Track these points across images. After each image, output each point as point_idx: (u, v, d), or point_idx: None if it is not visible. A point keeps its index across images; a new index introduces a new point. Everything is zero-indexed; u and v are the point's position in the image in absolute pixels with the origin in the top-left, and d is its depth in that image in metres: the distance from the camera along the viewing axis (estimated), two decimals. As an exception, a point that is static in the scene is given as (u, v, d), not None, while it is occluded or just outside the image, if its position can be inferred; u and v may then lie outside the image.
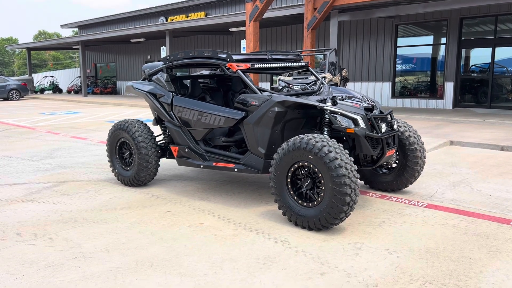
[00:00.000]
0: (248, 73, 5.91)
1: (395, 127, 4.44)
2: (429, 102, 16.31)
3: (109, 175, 6.19)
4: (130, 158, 5.59)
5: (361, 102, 4.50)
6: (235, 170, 4.63)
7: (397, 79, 17.32)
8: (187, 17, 24.29)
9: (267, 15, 14.74)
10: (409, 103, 16.82)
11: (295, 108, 4.40)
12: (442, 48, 16.08)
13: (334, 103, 4.35)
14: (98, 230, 4.06)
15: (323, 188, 3.79)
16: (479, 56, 15.63)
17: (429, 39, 16.81)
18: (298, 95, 4.67)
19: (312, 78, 10.16)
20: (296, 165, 3.96)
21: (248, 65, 4.67)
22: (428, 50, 16.80)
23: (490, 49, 15.04)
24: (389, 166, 5.04)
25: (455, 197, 4.88)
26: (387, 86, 17.33)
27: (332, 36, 14.52)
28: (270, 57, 5.01)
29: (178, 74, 6.13)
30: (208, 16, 19.87)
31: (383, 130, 4.24)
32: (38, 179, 6.08)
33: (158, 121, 5.63)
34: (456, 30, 15.35)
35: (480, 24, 15.32)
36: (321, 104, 4.23)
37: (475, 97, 15.64)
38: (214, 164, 4.83)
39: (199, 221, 4.26)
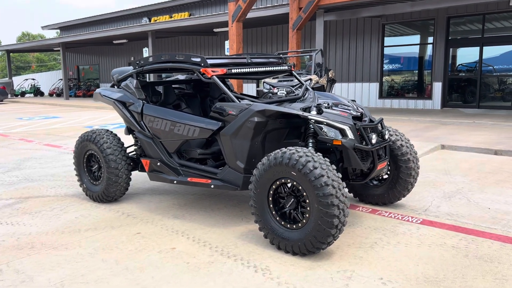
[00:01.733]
0: (227, 79, 5.48)
1: (386, 137, 4.04)
2: (417, 103, 16.05)
3: (78, 190, 5.70)
4: (99, 172, 5.12)
5: (349, 110, 4.10)
6: (212, 186, 4.19)
7: (384, 80, 17.04)
8: (171, 17, 23.75)
9: (250, 15, 14.32)
10: (397, 103, 16.55)
11: (276, 117, 3.98)
12: (430, 48, 15.83)
13: (319, 111, 3.94)
14: (56, 259, 3.59)
15: (308, 208, 3.38)
16: (467, 55, 15.42)
17: (417, 38, 16.56)
18: (280, 102, 4.25)
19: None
20: (278, 182, 3.54)
21: (224, 70, 4.23)
22: (416, 50, 16.54)
23: (477, 48, 14.83)
24: (380, 178, 4.64)
25: (451, 211, 4.51)
26: (374, 86, 17.04)
27: (318, 36, 14.16)
28: (249, 61, 4.58)
29: (164, 76, 5.63)
30: (191, 17, 19.40)
31: (374, 141, 3.84)
32: (0, 195, 5.56)
33: (129, 131, 5.17)
34: (444, 29, 15.11)
35: (467, 23, 15.10)
36: (305, 114, 3.81)
37: (463, 97, 15.42)
38: (189, 179, 4.39)
39: (171, 245, 3.81)
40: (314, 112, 3.92)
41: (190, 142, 4.80)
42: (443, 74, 15.37)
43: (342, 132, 3.74)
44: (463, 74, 15.58)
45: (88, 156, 5.16)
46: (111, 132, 5.08)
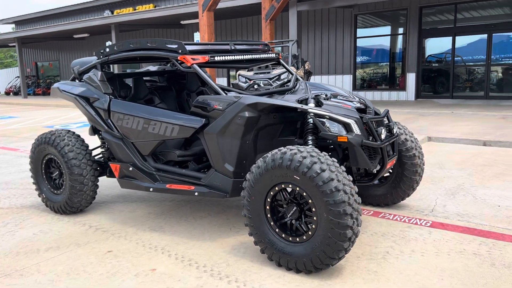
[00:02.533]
0: (206, 68, 4.87)
1: (394, 131, 3.57)
2: (391, 94, 15.88)
3: (37, 200, 4.97)
4: (60, 179, 4.42)
5: (351, 101, 3.60)
6: (196, 194, 3.60)
7: (358, 72, 16.79)
8: (135, 9, 22.68)
9: (222, 5, 13.66)
10: (371, 95, 16.33)
11: (270, 111, 3.43)
12: (403, 39, 15.66)
13: (318, 103, 3.42)
14: (8, 291, 2.93)
15: (314, 218, 2.86)
16: (440, 45, 15.34)
17: (389, 29, 16.36)
18: (270, 94, 3.70)
19: (275, 72, 9.22)
20: (277, 188, 3.00)
21: (206, 57, 3.64)
22: (389, 41, 16.34)
23: (450, 38, 14.76)
24: (382, 176, 4.18)
25: (460, 211, 4.10)
26: (348, 78, 16.76)
27: (291, 27, 13.68)
28: (233, 48, 4.00)
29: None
30: (157, 8, 18.48)
31: (383, 136, 3.35)
32: None
33: (94, 130, 4.49)
34: (416, 19, 14.94)
35: (439, 13, 15.00)
36: (304, 106, 3.28)
37: (437, 88, 15.35)
38: (167, 186, 3.77)
39: (150, 266, 3.21)
40: (312, 104, 3.40)
41: (167, 142, 4.18)
42: (416, 65, 15.23)
43: (347, 127, 3.24)
44: (436, 65, 15.51)
45: (47, 161, 4.46)
46: (73, 133, 4.39)
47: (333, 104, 3.41)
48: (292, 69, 9.68)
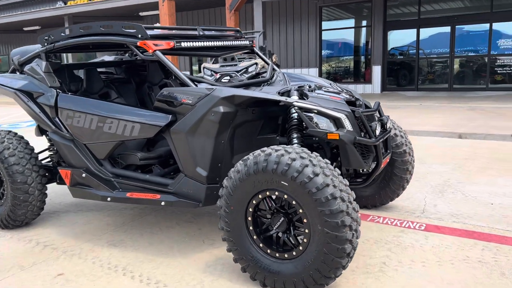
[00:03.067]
0: (169, 57, 4.32)
1: (388, 126, 3.19)
2: (357, 87, 15.73)
3: (-26, 212, 4.28)
4: (1, 188, 3.78)
5: (339, 93, 3.18)
6: (162, 203, 3.08)
7: (324, 65, 16.57)
8: (90, 0, 21.48)
9: (183, -5, 13.00)
10: (338, 88, 16.13)
11: (248, 106, 2.95)
12: (368, 31, 15.55)
13: (303, 96, 2.98)
14: None
15: (306, 230, 2.42)
16: (404, 38, 15.33)
17: (354, 22, 16.21)
18: (245, 86, 3.22)
19: (243, 64, 8.73)
20: (260, 196, 2.54)
21: (171, 43, 3.11)
22: (354, 34, 16.20)
23: (414, 30, 14.76)
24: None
25: (452, 210, 3.79)
26: (313, 72, 16.49)
27: (256, 18, 13.18)
28: (201, 34, 3.49)
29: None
30: (114, -1, 17.48)
31: (378, 132, 2.96)
32: None
33: (41, 131, 3.86)
34: (381, 11, 14.84)
35: (403, 5, 14.96)
36: (289, 99, 2.83)
37: (402, 80, 15.35)
38: (128, 195, 3.22)
39: (110, 293, 2.68)
40: (295, 97, 2.95)
41: (126, 144, 3.63)
42: (382, 58, 15.15)
43: (337, 122, 2.81)
44: (401, 57, 15.50)
45: (-16, 168, 3.79)
46: (15, 134, 3.75)
47: (319, 97, 2.98)
48: (260, 61, 9.24)
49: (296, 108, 2.88)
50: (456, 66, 14.44)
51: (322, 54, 16.42)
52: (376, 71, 15.24)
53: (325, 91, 3.16)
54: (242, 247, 2.64)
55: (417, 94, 13.98)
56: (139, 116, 3.11)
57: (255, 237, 2.62)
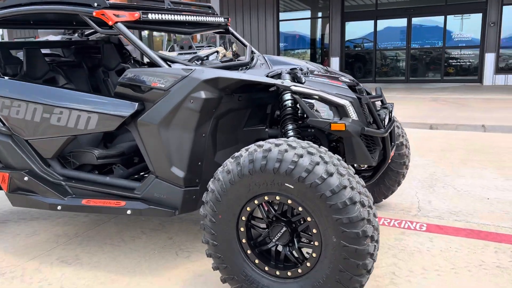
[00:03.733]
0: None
1: (393, 114, 2.78)
2: (316, 79, 15.55)
3: None
4: None
5: (337, 77, 2.74)
6: (128, 212, 2.50)
7: (282, 56, 16.22)
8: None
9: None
10: (296, 80, 15.87)
11: (233, 91, 2.44)
12: (326, 22, 15.37)
13: (296, 79, 2.51)
14: None
15: (316, 243, 1.96)
16: (362, 29, 15.28)
17: (312, 12, 15.97)
18: (225, 69, 2.70)
19: (204, 52, 8.12)
20: (256, 202, 2.05)
21: (136, 14, 2.52)
22: (312, 25, 15.98)
23: (372, 22, 14.74)
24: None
25: (450, 207, 3.49)
26: (272, 63, 16.09)
27: (214, 7, 12.57)
28: (169, 6, 2.92)
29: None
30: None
31: (386, 121, 2.55)
32: None
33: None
34: (339, 2, 14.68)
35: (361, -4, 14.90)
36: (286, 83, 2.34)
37: (360, 72, 15.33)
38: (83, 202, 2.61)
39: (64, 330, 2.10)
40: (287, 80, 2.47)
41: (80, 139, 3.00)
42: (340, 49, 15.03)
43: (340, 111, 2.37)
44: (359, 49, 15.46)
45: None
46: None
47: (317, 81, 2.52)
48: (221, 49, 8.68)
49: (292, 93, 2.40)
50: (412, 58, 14.58)
51: (280, 46, 16.07)
52: (334, 63, 15.10)
53: (320, 75, 2.70)
54: (233, 264, 2.14)
55: (375, 85, 13.96)
56: (97, 104, 2.50)
57: (249, 251, 2.13)
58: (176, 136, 2.35)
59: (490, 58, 13.55)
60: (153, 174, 2.47)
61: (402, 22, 14.38)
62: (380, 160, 2.59)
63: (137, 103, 2.40)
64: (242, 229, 2.11)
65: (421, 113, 7.74)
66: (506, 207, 3.44)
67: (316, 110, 2.34)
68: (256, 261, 2.12)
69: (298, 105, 2.51)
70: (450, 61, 14.29)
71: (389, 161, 2.66)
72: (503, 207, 3.45)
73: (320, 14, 15.73)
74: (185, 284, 2.47)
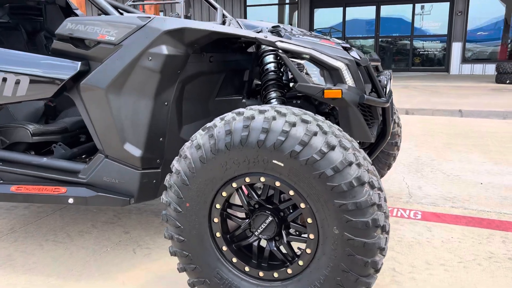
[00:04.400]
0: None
1: (390, 85, 2.39)
2: (284, 67, 15.19)
3: None
4: None
5: (327, 38, 2.31)
6: (70, 201, 1.99)
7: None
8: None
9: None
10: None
11: (203, 49, 1.96)
12: (294, 9, 15.00)
13: (279, 36, 2.06)
14: None
15: (311, 235, 1.53)
16: (330, 17, 15.02)
17: (280, -2, 15.58)
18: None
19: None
20: (234, 185, 1.59)
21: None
22: (280, 11, 15.57)
23: (341, 9, 14.50)
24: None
25: (443, 193, 3.16)
26: (239, 50, 15.60)
27: (178, -14, 11.91)
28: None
29: None
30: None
31: (388, 89, 2.16)
32: None
33: None
34: (308, -13, 14.36)
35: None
36: (270, 38, 1.89)
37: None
38: (14, 189, 2.07)
39: None
40: (270, 36, 2.02)
41: (11, 111, 2.44)
42: (309, 36, 14.70)
43: (334, 75, 1.94)
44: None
45: None
46: None
47: (305, 40, 2.08)
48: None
49: (276, 53, 1.95)
50: (380, 48, 14.46)
51: (248, 31, 15.59)
52: (303, 50, 14.77)
53: (308, 36, 2.27)
54: (204, 265, 1.68)
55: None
56: (28, 64, 1.96)
57: (224, 248, 1.68)
58: (130, 105, 1.86)
59: (457, 47, 13.61)
60: (101, 153, 1.97)
61: (370, 12, 14.21)
62: (379, 136, 2.20)
63: (80, 62, 1.89)
64: (216, 220, 1.66)
65: (395, 99, 7.50)
66: (502, 192, 3.15)
67: (307, 73, 1.91)
68: (234, 259, 1.68)
69: (282, 70, 2.07)
70: (418, 50, 14.27)
71: (389, 137, 2.27)
72: (499, 192, 3.16)
73: (288, 0, 15.34)
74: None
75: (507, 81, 9.93)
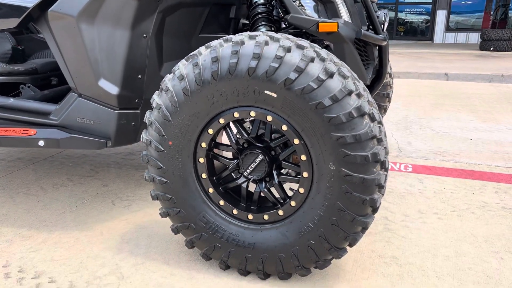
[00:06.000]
0: None
1: (386, 24, 2.24)
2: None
3: None
4: None
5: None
6: (41, 143, 1.82)
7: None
8: None
9: None
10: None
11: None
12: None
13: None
14: None
15: (305, 174, 1.41)
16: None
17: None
18: None
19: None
20: (221, 121, 1.45)
21: None
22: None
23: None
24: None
25: (433, 148, 3.09)
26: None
27: None
28: None
29: None
30: None
31: (386, 25, 2.02)
32: None
33: None
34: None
35: None
36: (260, -38, 1.72)
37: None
38: (-23, 132, 1.89)
39: None
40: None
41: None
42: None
43: (328, 8, 1.79)
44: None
45: None
46: None
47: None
48: None
49: (266, -18, 1.78)
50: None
51: None
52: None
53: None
54: (189, 208, 1.56)
55: (329, 41, 13.56)
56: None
57: (211, 190, 1.55)
58: (105, 35, 1.67)
59: (441, 15, 13.50)
60: (74, 92, 1.79)
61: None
62: (374, 79, 2.08)
63: (47, -13, 1.68)
64: (201, 160, 1.52)
65: (381, 63, 7.39)
66: (493, 147, 3.09)
67: (300, 5, 1.75)
68: (221, 202, 1.55)
69: (273, 3, 1.91)
70: (403, 18, 14.13)
71: (385, 80, 2.15)
72: (489, 147, 3.10)
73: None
74: (123, 239, 1.87)
75: (491, 48, 9.92)
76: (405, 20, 14.10)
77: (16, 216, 2.10)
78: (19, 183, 2.50)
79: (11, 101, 1.90)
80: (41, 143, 1.80)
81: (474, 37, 13.14)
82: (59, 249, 1.78)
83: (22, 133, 1.81)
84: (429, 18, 13.98)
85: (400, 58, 8.29)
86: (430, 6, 13.87)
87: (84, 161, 2.85)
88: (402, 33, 14.23)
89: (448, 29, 13.57)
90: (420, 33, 14.29)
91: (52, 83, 2.27)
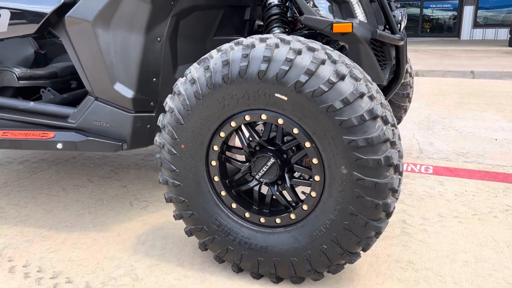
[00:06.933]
0: None
1: (404, 23, 2.20)
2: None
3: None
4: None
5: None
6: (59, 146, 1.86)
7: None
8: None
9: None
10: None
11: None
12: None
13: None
14: None
15: (317, 177, 1.40)
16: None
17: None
18: None
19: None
20: (233, 124, 1.45)
21: None
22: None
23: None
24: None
25: (455, 149, 3.02)
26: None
27: None
28: None
29: None
30: None
31: (403, 24, 1.98)
32: None
33: None
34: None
35: None
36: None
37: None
38: (-1, 135, 1.95)
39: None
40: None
41: (2, 59, 2.30)
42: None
43: (343, 8, 1.77)
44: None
45: None
46: None
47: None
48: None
49: (280, -16, 1.77)
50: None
51: None
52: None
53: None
54: (202, 211, 1.57)
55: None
56: (8, -2, 1.80)
57: (223, 193, 1.55)
58: (120, 39, 1.70)
59: (468, 11, 13.15)
60: (91, 95, 1.83)
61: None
62: (391, 80, 2.04)
63: (63, -6, 1.72)
64: (213, 163, 1.53)
65: (405, 61, 7.25)
66: (519, 148, 3.00)
67: (314, 5, 1.73)
68: (233, 205, 1.56)
69: (287, 4, 1.90)
70: (429, 15, 13.83)
71: (402, 80, 2.10)
72: (515, 148, 3.01)
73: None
74: (139, 240, 1.89)
75: (521, 45, 9.59)
76: (431, 17, 13.80)
77: (38, 216, 2.15)
78: (42, 184, 2.56)
79: (31, 104, 1.96)
80: (59, 145, 1.84)
81: (503, 33, 12.73)
82: (77, 250, 1.82)
83: (41, 136, 1.86)
84: (456, 14, 13.64)
85: (425, 56, 8.11)
86: (457, 1, 13.54)
87: (105, 162, 2.90)
88: (427, 30, 13.94)
89: (476, 25, 13.21)
90: (446, 30, 13.96)
91: (71, 87, 2.32)
